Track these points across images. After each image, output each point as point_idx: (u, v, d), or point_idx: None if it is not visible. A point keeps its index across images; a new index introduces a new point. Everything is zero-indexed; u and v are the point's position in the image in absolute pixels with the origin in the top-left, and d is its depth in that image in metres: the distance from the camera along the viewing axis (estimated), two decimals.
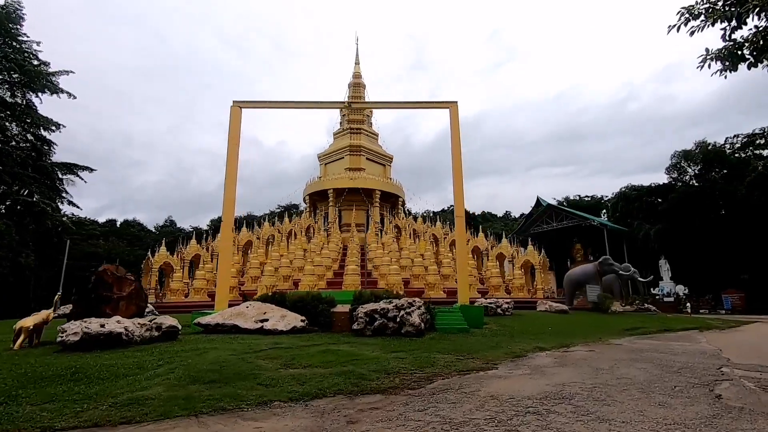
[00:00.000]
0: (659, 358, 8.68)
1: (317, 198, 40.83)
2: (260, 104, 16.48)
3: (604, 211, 67.95)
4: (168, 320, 9.97)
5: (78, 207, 36.59)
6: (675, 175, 54.03)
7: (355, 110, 42.85)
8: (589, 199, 73.21)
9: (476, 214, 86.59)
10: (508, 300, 18.53)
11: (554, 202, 64.08)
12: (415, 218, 41.53)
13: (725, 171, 50.59)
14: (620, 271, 23.97)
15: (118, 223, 79.48)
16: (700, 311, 40.54)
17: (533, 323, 15.76)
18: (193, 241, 30.30)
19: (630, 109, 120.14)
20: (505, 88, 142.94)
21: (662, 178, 56.89)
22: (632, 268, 27.12)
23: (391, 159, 43.67)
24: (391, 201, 41.40)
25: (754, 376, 6.80)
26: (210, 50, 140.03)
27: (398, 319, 11.16)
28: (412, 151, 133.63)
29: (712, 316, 33.32)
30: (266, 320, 11.52)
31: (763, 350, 10.42)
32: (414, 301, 11.91)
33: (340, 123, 43.72)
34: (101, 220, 77.12)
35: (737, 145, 54.45)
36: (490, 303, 17.46)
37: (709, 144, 52.12)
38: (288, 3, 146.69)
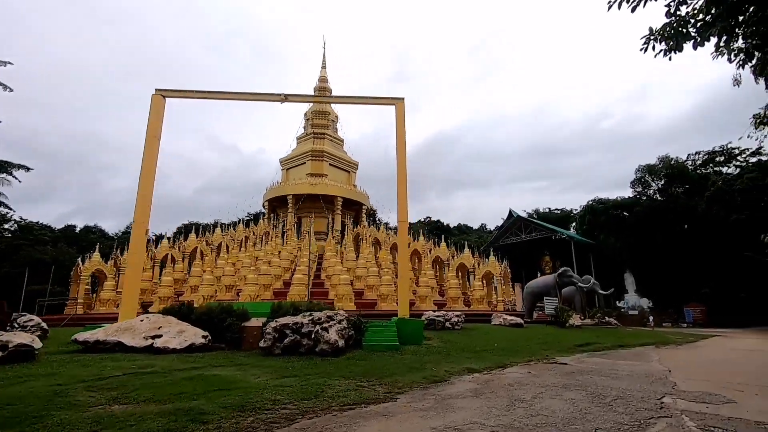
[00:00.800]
0: (596, 384, 7.43)
1: (277, 204, 39.03)
2: (186, 93, 14.89)
3: (574, 224, 68.32)
4: (18, 338, 8.13)
5: (11, 209, 33.43)
6: (639, 189, 54.66)
7: (320, 115, 41.57)
8: (559, 212, 73.57)
9: (452, 226, 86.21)
10: (459, 313, 17.22)
11: (525, 215, 64.04)
12: (386, 227, 40.10)
13: (687, 186, 51.46)
14: (579, 283, 23.13)
15: (78, 229, 75.25)
16: (663, 324, 40.39)
17: (481, 339, 14.47)
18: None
19: (603, 127, 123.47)
20: (485, 102, 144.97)
21: (628, 193, 57.68)
22: (593, 280, 26.38)
23: (356, 166, 42.34)
24: (355, 209, 39.97)
25: (698, 410, 5.58)
26: (189, 51, 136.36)
27: (313, 336, 9.61)
28: (391, 162, 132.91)
29: (674, 330, 33.08)
30: (159, 336, 9.78)
31: (714, 372, 9.37)
32: (335, 314, 10.40)
33: (304, 128, 42.23)
34: (72, 224, 73.22)
35: (698, 162, 55.73)
36: (438, 316, 16.12)
37: (672, 159, 53.04)
38: (270, 9, 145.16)
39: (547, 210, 75.52)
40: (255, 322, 10.82)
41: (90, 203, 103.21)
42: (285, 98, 15.05)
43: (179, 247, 30.09)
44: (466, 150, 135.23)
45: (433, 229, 71.10)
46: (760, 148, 47.91)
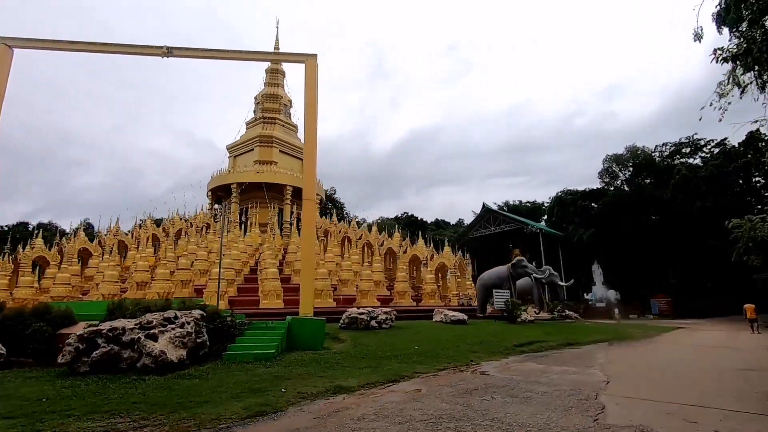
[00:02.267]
0: (492, 412, 5.12)
1: (222, 194, 35.90)
2: (39, 43, 11.96)
3: (545, 216, 67.43)
4: None
5: None
6: (607, 180, 53.78)
7: (271, 99, 38.64)
8: (530, 204, 72.54)
9: (429, 222, 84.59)
10: (388, 310, 14.86)
11: (496, 208, 62.70)
12: (358, 224, 37.30)
13: (654, 176, 50.75)
14: (534, 274, 21.14)
15: (31, 227, 69.94)
16: (630, 316, 39.31)
17: (405, 340, 12.12)
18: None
19: (577, 124, 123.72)
20: (462, 100, 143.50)
21: (597, 184, 56.75)
22: (552, 271, 24.60)
23: None
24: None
25: None
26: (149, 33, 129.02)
27: (136, 347, 7.00)
28: (370, 159, 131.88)
29: (638, 322, 31.74)
30: None
31: (664, 383, 7.24)
32: (182, 314, 7.79)
33: (254, 112, 39.17)
34: (35, 223, 68.10)
35: (665, 153, 55.29)
36: (362, 314, 13.71)
37: (639, 149, 52.21)
38: (242, 2, 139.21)
39: (518, 203, 74.46)
40: (78, 328, 8.12)
41: (58, 200, 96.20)
42: (168, 52, 12.27)
43: (100, 241, 26.70)
44: (444, 147, 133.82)
45: (409, 225, 69.05)
46: (725, 139, 47.88)
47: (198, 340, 7.74)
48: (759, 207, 31.72)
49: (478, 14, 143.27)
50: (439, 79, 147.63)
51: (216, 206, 37.06)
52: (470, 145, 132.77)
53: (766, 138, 37.69)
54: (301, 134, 41.08)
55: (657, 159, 53.82)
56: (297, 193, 35.47)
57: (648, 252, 42.87)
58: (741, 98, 15.86)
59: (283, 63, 41.07)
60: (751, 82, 14.79)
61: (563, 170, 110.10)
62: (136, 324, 7.27)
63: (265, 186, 31.08)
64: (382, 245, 28.74)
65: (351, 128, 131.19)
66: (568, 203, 54.46)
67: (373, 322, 13.91)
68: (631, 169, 52.61)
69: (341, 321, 13.79)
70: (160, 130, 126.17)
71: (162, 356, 6.88)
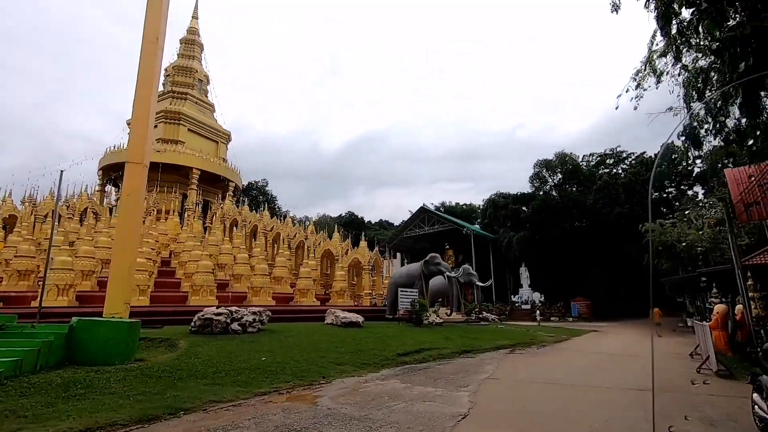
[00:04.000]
0: None
1: (117, 174, 31.18)
2: None
3: (479, 219, 67.78)
4: None
5: None
6: (537, 184, 54.72)
7: (184, 72, 34.52)
8: (465, 206, 72.86)
9: (373, 222, 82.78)
10: (258, 310, 12.25)
11: (433, 208, 61.96)
12: (293, 221, 33.72)
13: (579, 184, 52.35)
14: (448, 273, 19.51)
15: None
16: (551, 319, 39.66)
17: (259, 349, 9.59)
18: None
19: (519, 136, 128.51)
20: (413, 104, 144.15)
21: (529, 188, 57.71)
22: (470, 271, 23.29)
23: (228, 137, 35.79)
24: (221, 186, 33.47)
25: None
26: (92, 21, 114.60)
27: None
28: (320, 158, 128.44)
29: (557, 325, 31.59)
30: None
31: (538, 417, 5.33)
32: None
33: (163, 85, 34.72)
34: None
35: (592, 163, 57.45)
36: (220, 315, 10.95)
37: (567, 155, 53.60)
38: None
39: (454, 204, 74.57)
40: None
41: None
42: None
43: None
44: (393, 150, 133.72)
45: (349, 224, 66.61)
46: (644, 152, 50.56)
47: None
48: (670, 216, 33.05)
49: (434, 23, 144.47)
50: (391, 82, 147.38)
51: (109, 188, 32.24)
52: (419, 149, 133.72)
53: (679, 150, 39.49)
54: (219, 114, 37.34)
55: (584, 167, 55.79)
56: (208, 178, 31.77)
57: (572, 256, 43.68)
58: (657, 87, 14.87)
59: (200, 35, 37.16)
60: (666, 71, 13.92)
61: (505, 178, 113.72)
62: None
63: (161, 167, 27.06)
64: (293, 238, 25.96)
65: (301, 127, 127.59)
66: (500, 206, 54.74)
67: (234, 325, 11.22)
68: (559, 174, 53.92)
69: (192, 323, 10.97)
70: (91, 112, 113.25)
71: None
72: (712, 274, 17.94)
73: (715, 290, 17.21)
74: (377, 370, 8.53)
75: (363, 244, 24.60)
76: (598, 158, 56.79)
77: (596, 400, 6.16)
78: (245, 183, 60.61)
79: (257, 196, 64.58)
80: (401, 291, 17.10)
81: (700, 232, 21.66)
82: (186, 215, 27.98)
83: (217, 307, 11.57)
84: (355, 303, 22.93)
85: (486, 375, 8.01)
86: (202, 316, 10.94)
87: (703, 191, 41.07)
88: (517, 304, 45.92)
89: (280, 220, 30.34)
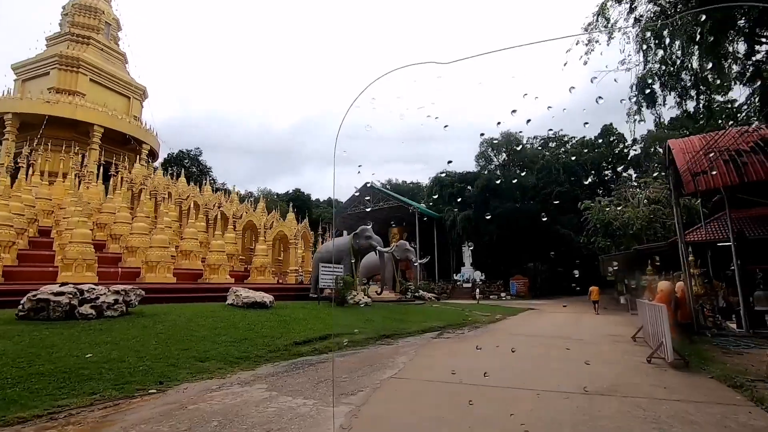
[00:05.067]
0: None
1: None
2: None
3: (426, 198, 66.85)
4: None
5: None
6: (483, 163, 54.41)
7: (87, 12, 29.29)
8: (412, 184, 71.73)
9: (321, 200, 79.44)
10: (125, 288, 9.58)
11: (379, 185, 60.05)
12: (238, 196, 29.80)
13: (523, 164, 52.59)
14: (379, 247, 17.60)
15: None
16: (491, 297, 39.66)
17: (103, 340, 7.14)
18: None
19: (470, 119, 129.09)
20: (367, 80, 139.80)
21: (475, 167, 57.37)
22: (408, 246, 21.67)
23: (143, 93, 31.17)
24: (132, 149, 29.14)
25: None
26: None
27: None
28: (270, 133, 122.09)
29: (495, 303, 31.26)
30: None
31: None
32: None
33: (60, 25, 29.37)
34: None
35: (536, 146, 58.08)
36: (60, 294, 8.16)
37: (512, 134, 53.44)
38: None
39: (401, 182, 73.18)
40: None
41: None
42: None
43: None
44: (345, 127, 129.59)
45: (294, 200, 63.20)
46: (584, 136, 51.55)
47: None
48: (606, 197, 33.51)
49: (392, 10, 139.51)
50: (345, 58, 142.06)
51: None
52: (372, 129, 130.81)
53: (617, 132, 40.27)
54: (133, 68, 32.53)
55: (528, 150, 56.18)
56: (115, 138, 27.42)
57: (513, 234, 43.80)
58: (608, 44, 13.31)
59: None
60: (617, 21, 12.43)
61: (456, 159, 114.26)
62: None
63: (46, 120, 22.63)
64: (213, 208, 22.83)
65: (251, 101, 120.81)
66: (446, 185, 53.92)
67: (85, 308, 8.55)
68: (504, 155, 53.85)
69: (20, 306, 8.17)
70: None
71: None
72: (647, 251, 17.51)
73: (650, 268, 16.74)
74: (253, 367, 6.40)
75: (291, 215, 22.11)
76: (542, 141, 57.50)
77: (528, 415, 4.46)
78: (175, 151, 55.05)
79: (190, 166, 59.35)
80: (322, 267, 14.96)
81: (637, 209, 21.44)
82: (83, 179, 23.86)
83: (61, 285, 8.76)
84: (279, 281, 20.59)
85: (392, 372, 6.15)
86: (34, 296, 8.14)
87: (635, 175, 42.45)
88: (459, 283, 45.70)
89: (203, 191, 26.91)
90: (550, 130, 54.03)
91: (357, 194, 53.13)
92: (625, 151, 41.65)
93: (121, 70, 30.47)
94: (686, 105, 9.09)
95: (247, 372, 6.10)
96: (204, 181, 28.38)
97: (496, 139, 52.85)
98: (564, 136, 54.79)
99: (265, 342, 8.01)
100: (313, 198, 79.16)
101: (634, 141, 37.59)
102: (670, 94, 9.16)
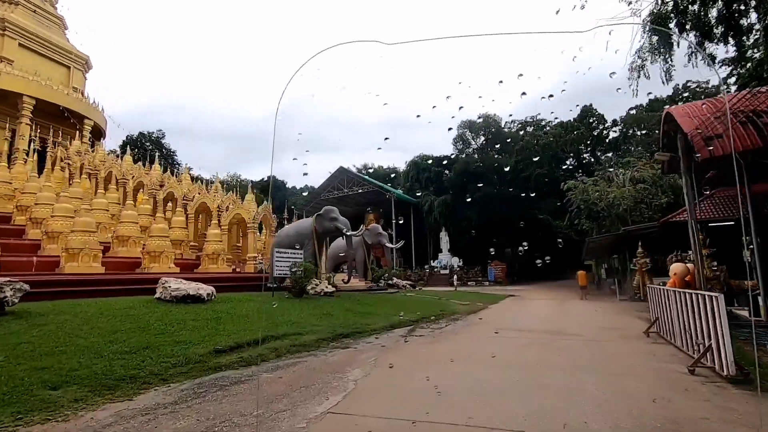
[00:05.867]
0: None
1: None
2: None
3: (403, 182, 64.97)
4: None
5: None
6: (461, 147, 52.85)
7: None
8: (389, 169, 69.63)
9: (298, 187, 76.41)
10: (4, 281, 7.35)
11: (355, 170, 57.83)
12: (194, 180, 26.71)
13: (501, 147, 51.30)
14: (346, 230, 15.47)
15: None
16: (469, 283, 38.48)
17: None
18: None
19: (449, 105, 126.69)
20: (344, 69, 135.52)
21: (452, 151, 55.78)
22: (380, 230, 19.79)
23: (85, 62, 27.79)
24: (73, 125, 25.93)
25: None
26: None
27: None
28: (247, 118, 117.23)
29: (473, 290, 29.94)
30: None
31: None
32: None
33: None
34: None
35: (513, 129, 56.86)
36: None
37: (491, 117, 51.98)
38: None
39: (377, 167, 70.91)
40: None
41: None
42: None
43: None
44: (325, 115, 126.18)
45: (268, 187, 60.21)
46: (560, 119, 50.59)
47: None
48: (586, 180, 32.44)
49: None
50: (324, 45, 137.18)
51: None
52: (351, 115, 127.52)
53: (597, 113, 39.20)
54: (73, 34, 28.99)
55: (506, 131, 54.89)
56: (52, 112, 24.20)
57: (491, 219, 42.58)
58: None
59: None
60: None
61: (433, 149, 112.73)
62: None
63: None
64: (160, 189, 20.25)
65: (230, 85, 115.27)
66: (423, 169, 52.17)
67: None
68: (482, 138, 52.37)
69: None
70: None
71: None
72: (637, 232, 16.16)
73: (640, 250, 15.39)
74: (133, 394, 4.37)
75: (249, 197, 19.81)
76: (520, 124, 56.30)
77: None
78: (135, 133, 51.27)
79: (152, 149, 55.64)
80: (277, 252, 12.86)
81: (623, 189, 20.17)
82: (11, 156, 20.86)
83: None
84: (236, 270, 18.39)
85: (334, 400, 4.22)
86: None
87: (614, 159, 41.67)
88: (436, 269, 44.37)
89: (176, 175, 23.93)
90: (539, 114, 52.83)
91: (330, 178, 50.87)
92: (605, 132, 40.71)
93: (59, 35, 26.99)
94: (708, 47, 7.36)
95: (118, 404, 4.07)
96: (167, 166, 25.55)
97: (474, 121, 51.37)
98: (542, 120, 53.80)
99: (175, 351, 5.97)
100: (289, 185, 76.23)
101: (623, 118, 36.55)
102: (689, 35, 7.42)
